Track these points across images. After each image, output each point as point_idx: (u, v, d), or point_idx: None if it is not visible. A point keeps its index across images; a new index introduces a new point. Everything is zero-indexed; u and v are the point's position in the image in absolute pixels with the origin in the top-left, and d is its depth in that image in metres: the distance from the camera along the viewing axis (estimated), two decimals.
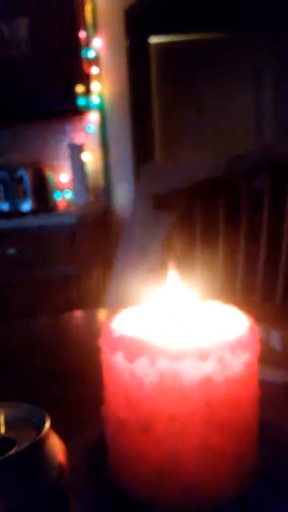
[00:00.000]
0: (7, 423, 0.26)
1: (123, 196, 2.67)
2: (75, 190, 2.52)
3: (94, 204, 2.57)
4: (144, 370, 0.34)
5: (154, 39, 3.29)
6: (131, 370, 0.34)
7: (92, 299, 2.06)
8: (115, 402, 0.37)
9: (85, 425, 0.41)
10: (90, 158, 2.61)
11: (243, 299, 1.18)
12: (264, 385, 0.38)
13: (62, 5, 2.17)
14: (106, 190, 2.67)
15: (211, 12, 3.14)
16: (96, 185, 2.65)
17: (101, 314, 0.88)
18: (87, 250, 2.25)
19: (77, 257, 2.08)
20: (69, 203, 2.59)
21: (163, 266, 1.23)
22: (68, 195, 2.62)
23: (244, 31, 3.41)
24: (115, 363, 0.35)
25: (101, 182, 2.66)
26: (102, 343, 0.37)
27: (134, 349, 0.34)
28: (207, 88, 3.37)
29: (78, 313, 0.96)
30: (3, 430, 0.26)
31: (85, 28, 2.41)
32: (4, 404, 0.27)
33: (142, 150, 2.87)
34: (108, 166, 2.65)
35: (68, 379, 0.58)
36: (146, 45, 3.26)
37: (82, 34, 2.32)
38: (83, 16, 2.38)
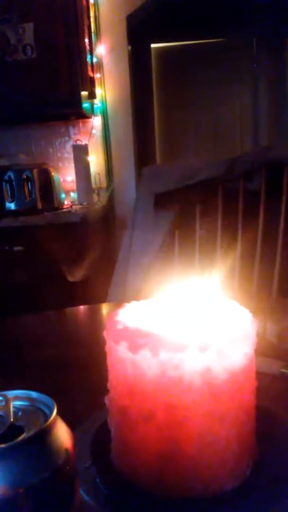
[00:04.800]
0: (16, 411, 0.27)
1: (125, 195, 2.69)
2: (79, 190, 2.53)
3: (97, 204, 2.59)
4: (147, 361, 0.35)
5: (155, 44, 3.31)
6: (134, 361, 0.35)
7: (96, 294, 2.07)
8: (119, 392, 0.38)
9: (90, 414, 0.42)
10: (94, 159, 2.63)
11: (240, 293, 1.20)
12: (260, 376, 0.39)
13: (66, 11, 2.20)
14: (109, 190, 2.69)
15: (209, 17, 3.17)
16: (99, 185, 2.67)
17: (105, 309, 0.90)
18: (91, 247, 2.26)
19: (81, 254, 2.09)
20: (74, 202, 2.61)
21: (162, 262, 1.25)
22: (73, 195, 2.64)
23: (242, 36, 3.45)
24: (119, 354, 0.36)
25: (104, 182, 2.68)
26: (107, 334, 0.38)
27: (137, 340, 0.35)
28: (206, 91, 3.41)
29: (82, 308, 0.97)
30: (12, 418, 0.27)
31: (89, 34, 2.44)
32: (13, 392, 0.28)
33: (143, 152, 2.90)
34: (111, 167, 2.67)
35: (74, 370, 0.60)
36: (148, 50, 3.28)
37: (85, 40, 2.34)
38: (87, 23, 2.40)
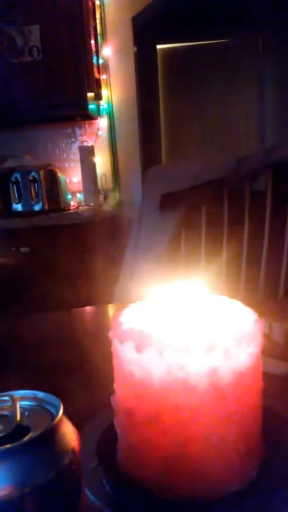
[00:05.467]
0: (23, 410, 0.27)
1: (131, 196, 2.69)
2: (85, 191, 2.54)
3: (103, 205, 2.59)
4: (152, 362, 0.35)
5: (161, 46, 3.32)
6: (139, 361, 0.35)
7: (101, 295, 2.08)
8: (124, 393, 0.38)
9: (96, 415, 0.42)
10: (100, 160, 2.63)
11: (247, 295, 1.19)
12: (266, 377, 0.39)
13: (72, 13, 2.20)
14: (115, 191, 2.70)
15: (215, 18, 3.16)
16: (105, 186, 2.67)
17: (111, 310, 0.90)
18: (97, 248, 2.27)
19: (87, 255, 2.10)
20: (80, 203, 2.62)
21: (168, 263, 1.24)
22: (79, 196, 2.65)
23: (247, 37, 3.44)
24: (124, 355, 0.36)
25: (110, 183, 2.68)
26: (112, 335, 0.38)
27: (142, 341, 0.35)
28: (212, 92, 3.41)
29: (88, 309, 0.97)
30: (18, 417, 0.27)
31: (95, 36, 2.44)
32: (19, 392, 0.28)
33: (149, 153, 2.90)
34: (117, 168, 2.68)
35: (80, 370, 0.60)
36: (153, 51, 3.29)
37: (91, 42, 2.35)
38: (93, 24, 2.41)
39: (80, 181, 2.58)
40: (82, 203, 2.58)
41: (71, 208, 2.47)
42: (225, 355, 0.35)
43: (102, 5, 2.52)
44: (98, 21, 2.51)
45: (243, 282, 1.27)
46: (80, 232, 2.09)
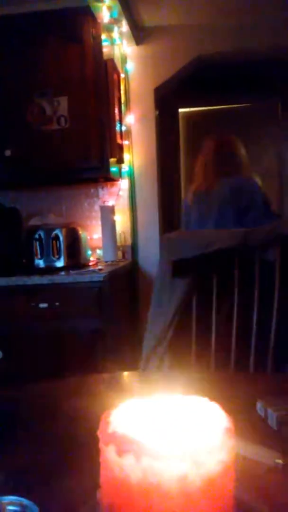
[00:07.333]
0: None
1: (148, 254, 2.78)
2: (104, 248, 2.64)
3: (122, 261, 2.67)
4: (131, 466, 0.39)
5: (182, 109, 3.51)
6: (120, 464, 0.40)
7: (118, 354, 2.11)
8: (108, 489, 0.42)
9: (82, 504, 0.45)
10: (120, 219, 2.75)
11: (258, 367, 1.21)
12: (254, 465, 0.42)
13: (98, 86, 2.39)
14: (134, 248, 2.79)
15: (235, 84, 3.34)
16: (125, 243, 2.77)
17: (124, 378, 0.90)
18: (114, 305, 2.32)
19: (104, 312, 2.15)
20: (99, 259, 2.71)
21: (177, 334, 1.28)
22: (99, 251, 2.75)
23: (267, 101, 3.60)
24: (108, 456, 0.41)
25: (128, 240, 2.78)
26: (99, 434, 0.43)
27: (122, 446, 0.40)
28: None
29: (102, 375, 0.97)
30: None
31: (119, 105, 2.63)
32: (8, 498, 0.33)
33: (168, 212, 3.01)
34: (136, 226, 2.78)
35: (73, 447, 0.61)
36: (175, 114, 3.48)
37: (115, 111, 2.53)
38: (117, 95, 2.60)
39: (101, 237, 2.69)
40: (101, 259, 2.67)
41: (90, 263, 2.56)
42: (195, 463, 0.39)
43: (126, 77, 2.73)
44: (122, 92, 2.70)
45: (254, 350, 1.29)
46: (98, 288, 2.15)
